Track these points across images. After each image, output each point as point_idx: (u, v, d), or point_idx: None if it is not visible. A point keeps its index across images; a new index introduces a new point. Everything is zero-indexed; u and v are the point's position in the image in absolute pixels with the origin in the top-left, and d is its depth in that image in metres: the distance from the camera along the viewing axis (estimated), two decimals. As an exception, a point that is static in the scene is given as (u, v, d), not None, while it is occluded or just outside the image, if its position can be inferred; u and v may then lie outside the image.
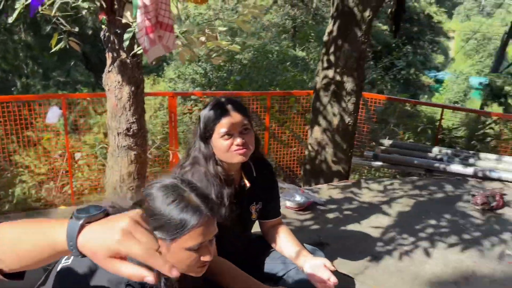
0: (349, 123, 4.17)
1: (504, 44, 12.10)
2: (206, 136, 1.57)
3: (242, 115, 1.55)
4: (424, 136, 5.57)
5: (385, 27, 14.49)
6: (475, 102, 19.14)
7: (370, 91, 7.86)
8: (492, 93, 9.56)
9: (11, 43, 10.11)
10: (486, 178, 4.27)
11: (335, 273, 1.52)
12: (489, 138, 5.27)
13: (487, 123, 5.58)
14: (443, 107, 5.25)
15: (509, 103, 9.44)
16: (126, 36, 2.28)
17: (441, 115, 4.99)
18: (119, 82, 2.60)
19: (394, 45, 14.83)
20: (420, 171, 4.78)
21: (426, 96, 18.01)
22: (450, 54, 32.20)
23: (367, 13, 3.86)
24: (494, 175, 4.24)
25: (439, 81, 24.00)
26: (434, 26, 17.24)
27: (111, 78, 2.62)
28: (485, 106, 10.82)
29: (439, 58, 28.63)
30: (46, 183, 4.53)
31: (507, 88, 9.65)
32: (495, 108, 10.55)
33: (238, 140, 1.52)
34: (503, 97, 9.42)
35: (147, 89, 6.00)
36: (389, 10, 4.76)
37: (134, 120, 2.69)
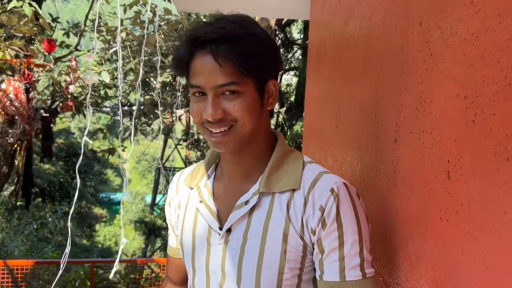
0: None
1: (157, 179, 13.98)
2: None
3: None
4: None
5: (47, 166, 14.41)
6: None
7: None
8: (148, 229, 10.82)
9: None
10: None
11: None
12: (142, 280, 5.80)
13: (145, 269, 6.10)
14: (91, 262, 5.53)
15: (165, 236, 10.83)
16: None
17: (92, 270, 5.22)
18: None
19: (62, 180, 14.85)
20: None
21: (102, 225, 18.39)
22: (127, 175, 34.50)
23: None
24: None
25: (119, 203, 24.98)
26: (100, 159, 18.37)
27: None
28: (148, 240, 12.07)
29: (117, 181, 30.17)
30: None
31: (159, 222, 11.16)
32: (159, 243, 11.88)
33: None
34: (157, 230, 10.79)
35: None
36: (13, 188, 4.84)
37: None
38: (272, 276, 0.87)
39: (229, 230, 0.92)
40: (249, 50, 0.84)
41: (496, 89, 0.65)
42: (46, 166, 14.57)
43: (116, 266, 1.82)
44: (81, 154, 1.39)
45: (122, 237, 1.67)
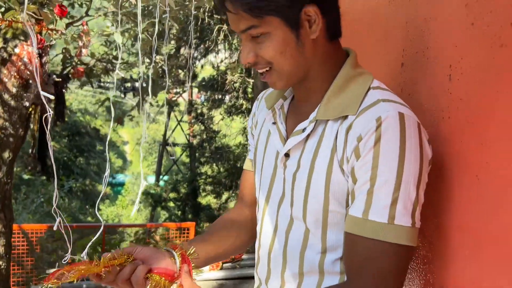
0: (2, 267, 4.02)
1: (161, 154, 14.17)
2: None
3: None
4: (96, 254, 5.80)
5: (52, 143, 14.53)
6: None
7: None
8: (154, 201, 11.05)
9: None
10: None
11: None
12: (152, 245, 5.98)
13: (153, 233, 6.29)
14: (105, 226, 5.70)
15: (171, 208, 11.11)
16: None
17: (103, 234, 5.39)
18: None
19: (66, 158, 15.02)
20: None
21: (106, 203, 18.65)
22: (127, 157, 34.76)
23: (6, 155, 3.93)
24: None
25: (121, 184, 25.31)
26: (103, 137, 18.50)
27: None
28: (154, 212, 12.34)
29: (118, 162, 30.40)
30: None
31: (164, 194, 11.38)
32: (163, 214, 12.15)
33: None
34: (163, 202, 11.03)
35: None
36: (30, 150, 4.96)
37: None
38: (317, 206, 0.86)
39: (288, 155, 0.92)
40: None
41: (493, -10, 0.76)
42: (52, 143, 14.73)
43: (136, 205, 1.94)
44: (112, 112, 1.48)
45: (141, 175, 1.78)
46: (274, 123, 0.98)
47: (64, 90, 4.22)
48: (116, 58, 4.92)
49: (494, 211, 0.75)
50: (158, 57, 6.03)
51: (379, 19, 1.33)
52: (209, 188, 10.18)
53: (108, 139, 1.99)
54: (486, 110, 0.77)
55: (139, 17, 2.35)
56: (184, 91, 9.41)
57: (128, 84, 10.34)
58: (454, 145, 0.87)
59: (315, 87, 0.91)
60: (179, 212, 10.43)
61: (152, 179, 20.21)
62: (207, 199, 10.42)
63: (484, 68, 0.78)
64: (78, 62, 4.16)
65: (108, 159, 2.05)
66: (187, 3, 4.75)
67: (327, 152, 0.85)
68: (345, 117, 0.84)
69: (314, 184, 0.86)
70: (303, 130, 0.89)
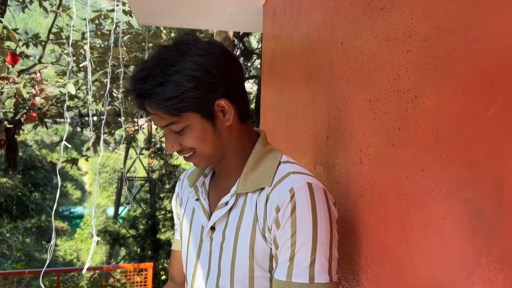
0: None
1: (119, 188, 13.88)
2: None
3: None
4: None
5: (4, 179, 13.99)
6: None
7: None
8: (112, 238, 10.78)
9: None
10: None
11: None
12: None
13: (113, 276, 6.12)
14: (57, 271, 5.52)
15: (130, 244, 10.87)
16: None
17: (58, 279, 5.21)
18: None
19: (20, 193, 14.43)
20: None
21: (64, 239, 17.99)
22: (86, 188, 33.74)
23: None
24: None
25: (80, 217, 24.51)
26: (59, 171, 17.92)
27: None
28: (112, 250, 11.99)
29: (76, 194, 29.48)
30: None
31: (123, 231, 11.14)
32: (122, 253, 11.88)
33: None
34: (122, 239, 10.78)
35: None
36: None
37: None
38: (243, 273, 0.93)
39: (213, 228, 1.00)
40: (175, 93, 0.87)
41: (386, 95, 0.89)
42: (3, 179, 14.14)
43: (88, 262, 1.96)
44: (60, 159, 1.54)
45: (93, 235, 1.81)
46: (197, 199, 1.07)
47: (16, 136, 4.14)
48: (71, 98, 4.90)
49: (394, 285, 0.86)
50: (117, 93, 6.05)
51: (309, 96, 1.46)
52: (168, 223, 10.05)
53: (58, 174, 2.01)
54: (385, 198, 0.90)
55: (89, 70, 2.41)
56: (142, 128, 9.38)
57: (86, 118, 10.19)
58: (364, 218, 0.99)
59: (233, 164, 1.01)
60: (138, 249, 10.20)
61: (111, 210, 19.65)
62: (167, 235, 10.27)
63: (383, 160, 0.91)
64: (32, 108, 4.11)
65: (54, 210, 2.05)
66: (143, 44, 4.84)
67: (250, 222, 0.93)
68: (262, 188, 0.94)
69: (239, 252, 0.93)
70: (226, 203, 0.98)
